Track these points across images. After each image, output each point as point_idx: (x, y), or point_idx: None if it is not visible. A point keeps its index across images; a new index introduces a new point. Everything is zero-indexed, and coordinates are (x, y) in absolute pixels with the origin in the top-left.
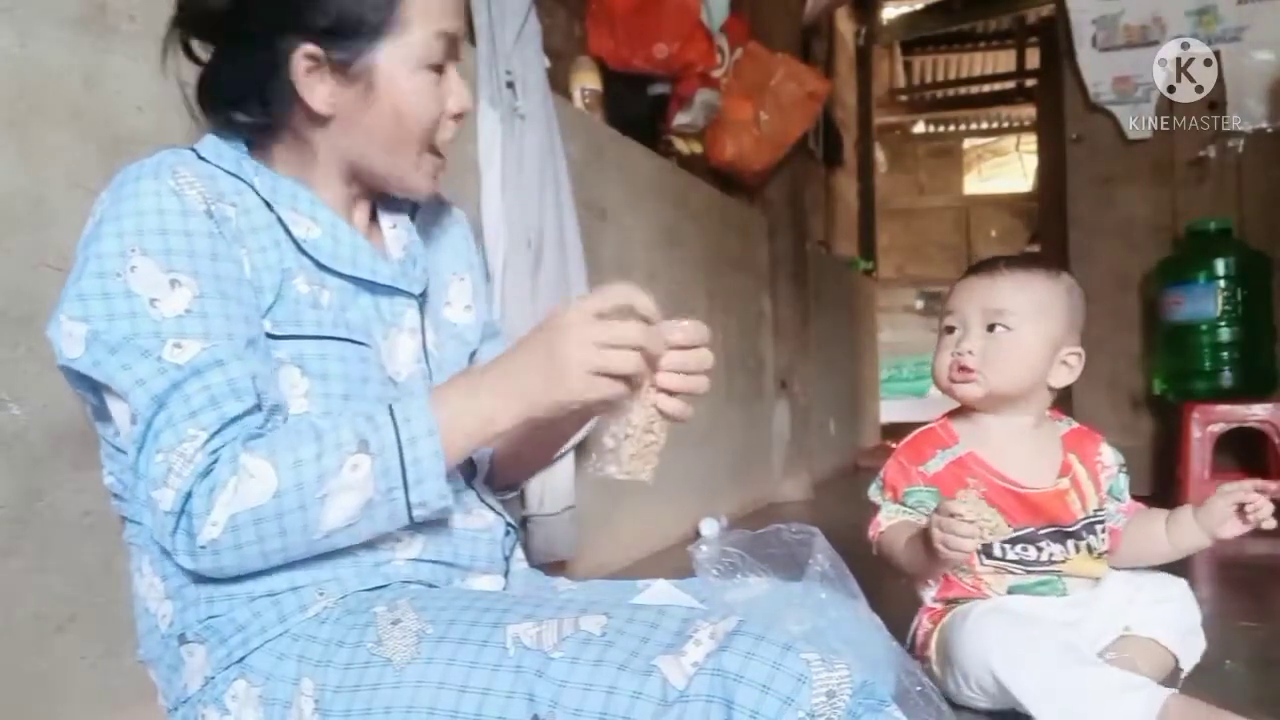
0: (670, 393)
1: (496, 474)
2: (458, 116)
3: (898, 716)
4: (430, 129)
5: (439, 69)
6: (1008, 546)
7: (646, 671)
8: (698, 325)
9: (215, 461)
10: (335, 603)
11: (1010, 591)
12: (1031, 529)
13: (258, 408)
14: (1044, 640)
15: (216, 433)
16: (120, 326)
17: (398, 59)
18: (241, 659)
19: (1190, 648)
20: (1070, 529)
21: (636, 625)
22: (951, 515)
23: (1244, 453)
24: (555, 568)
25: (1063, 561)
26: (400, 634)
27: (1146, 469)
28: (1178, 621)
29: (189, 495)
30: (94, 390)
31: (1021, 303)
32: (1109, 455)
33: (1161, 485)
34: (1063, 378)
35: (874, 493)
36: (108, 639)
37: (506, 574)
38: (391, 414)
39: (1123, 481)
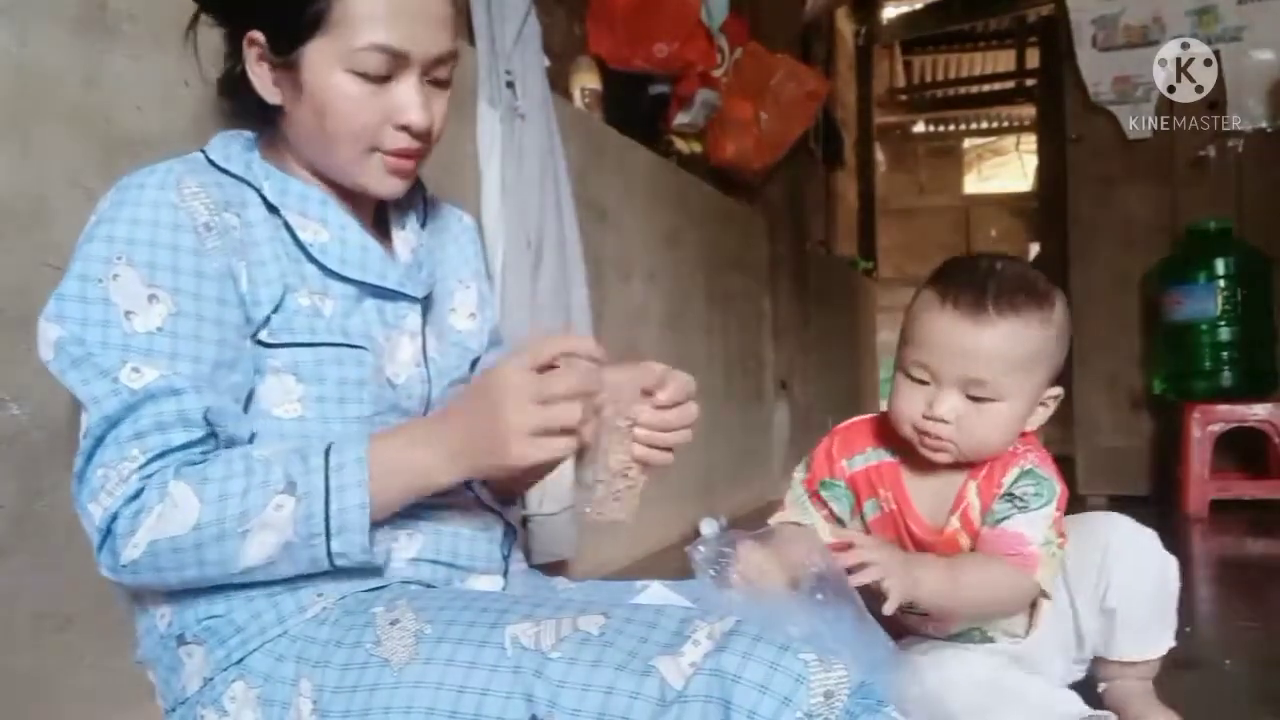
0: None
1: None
2: (407, 129)
3: (895, 717)
4: (361, 133)
5: (377, 80)
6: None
7: (644, 672)
8: (682, 382)
9: (145, 486)
10: (334, 603)
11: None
12: None
13: (208, 437)
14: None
15: (156, 457)
16: (91, 334)
17: (327, 57)
18: (240, 660)
19: (1160, 603)
20: None
21: (635, 625)
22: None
23: (1244, 453)
24: (555, 568)
25: None
26: (399, 634)
27: (1146, 469)
28: (1141, 602)
29: (115, 516)
30: None
31: (1008, 366)
32: (1008, 480)
33: (1161, 485)
34: (1039, 419)
35: (798, 468)
36: (108, 639)
37: (505, 574)
38: (326, 458)
39: (1015, 517)
